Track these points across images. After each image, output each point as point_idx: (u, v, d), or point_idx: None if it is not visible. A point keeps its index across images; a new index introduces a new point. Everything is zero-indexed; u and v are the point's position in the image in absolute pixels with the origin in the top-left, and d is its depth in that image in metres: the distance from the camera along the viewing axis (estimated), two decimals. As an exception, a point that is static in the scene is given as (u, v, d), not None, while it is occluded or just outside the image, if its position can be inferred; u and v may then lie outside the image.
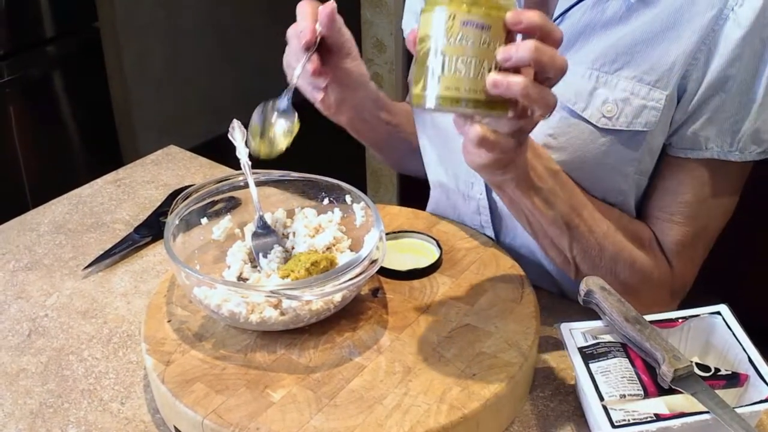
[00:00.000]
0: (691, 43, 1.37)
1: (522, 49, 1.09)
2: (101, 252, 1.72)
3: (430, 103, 1.14)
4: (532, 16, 1.11)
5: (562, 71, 1.14)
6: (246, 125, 1.47)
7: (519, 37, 1.13)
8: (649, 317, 1.26)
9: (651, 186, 1.52)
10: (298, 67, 1.40)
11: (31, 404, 1.35)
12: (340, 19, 1.43)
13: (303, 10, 1.42)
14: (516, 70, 1.11)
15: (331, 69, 1.47)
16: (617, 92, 1.41)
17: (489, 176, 1.35)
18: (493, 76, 1.10)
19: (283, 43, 1.40)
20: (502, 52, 1.10)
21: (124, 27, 4.56)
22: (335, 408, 1.20)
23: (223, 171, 2.04)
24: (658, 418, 1.13)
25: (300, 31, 1.40)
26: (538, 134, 1.46)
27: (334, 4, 1.41)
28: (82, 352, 1.46)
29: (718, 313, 1.28)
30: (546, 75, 1.14)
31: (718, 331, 1.27)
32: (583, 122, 1.43)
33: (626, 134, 1.42)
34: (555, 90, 1.21)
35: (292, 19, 1.40)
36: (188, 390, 1.24)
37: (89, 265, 1.68)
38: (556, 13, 1.47)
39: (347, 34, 1.47)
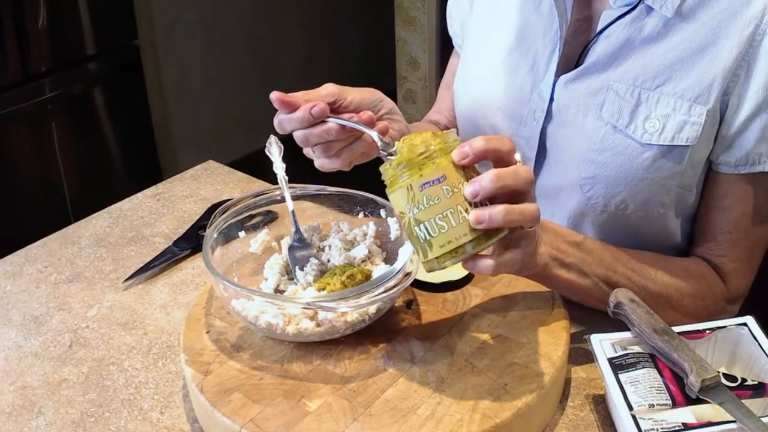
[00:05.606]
0: (730, 59, 1.39)
1: (485, 182, 1.14)
2: (141, 265, 1.74)
3: (436, 265, 1.19)
4: (477, 145, 1.15)
5: (528, 183, 1.18)
6: (282, 140, 1.49)
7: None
8: (677, 328, 1.28)
9: (704, 208, 1.53)
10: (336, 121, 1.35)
11: (72, 414, 1.38)
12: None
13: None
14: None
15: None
16: (659, 108, 1.43)
17: (520, 275, 1.39)
18: (473, 215, 1.14)
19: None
20: (469, 192, 1.15)
21: (164, 44, 4.59)
22: (370, 417, 1.21)
23: (260, 185, 2.06)
24: (686, 427, 1.14)
25: (298, 117, 1.35)
26: (583, 150, 1.48)
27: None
28: (122, 363, 1.48)
29: (745, 324, 1.29)
30: (518, 193, 1.18)
31: (744, 342, 1.28)
32: (626, 138, 1.45)
33: (669, 149, 1.43)
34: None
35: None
36: (226, 400, 1.25)
37: (129, 278, 1.71)
38: (596, 30, 1.49)
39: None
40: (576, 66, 1.52)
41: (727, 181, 1.48)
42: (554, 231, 1.38)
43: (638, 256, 1.47)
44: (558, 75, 1.53)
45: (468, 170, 1.17)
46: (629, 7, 1.45)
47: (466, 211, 1.15)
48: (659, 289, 1.45)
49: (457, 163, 1.15)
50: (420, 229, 1.17)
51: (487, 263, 1.20)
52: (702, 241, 1.54)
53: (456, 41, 1.85)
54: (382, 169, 1.20)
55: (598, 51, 1.48)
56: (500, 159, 1.18)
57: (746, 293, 1.56)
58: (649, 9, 1.44)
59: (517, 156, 1.21)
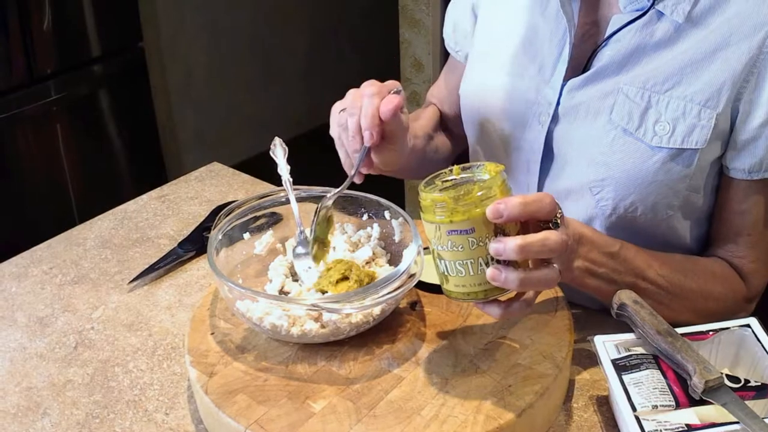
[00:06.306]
0: (740, 64, 1.39)
1: (509, 248, 1.15)
2: (146, 266, 1.75)
3: (452, 297, 1.23)
4: (513, 207, 1.15)
5: (554, 251, 1.19)
6: (287, 142, 1.49)
7: None
8: (680, 330, 1.28)
9: (722, 212, 1.53)
10: (354, 168, 1.42)
11: (77, 415, 1.38)
12: (400, 106, 1.42)
13: (370, 92, 1.41)
14: None
15: (379, 157, 1.46)
16: (669, 112, 1.43)
17: None
18: (490, 272, 1.16)
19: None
20: (493, 250, 1.16)
21: (169, 47, 4.60)
22: (374, 419, 1.22)
23: (264, 187, 2.07)
24: (690, 428, 1.14)
25: (362, 123, 1.39)
26: (593, 153, 1.48)
27: (401, 99, 1.41)
28: (127, 364, 1.49)
29: (748, 326, 1.30)
30: (541, 260, 1.20)
31: (747, 344, 1.28)
32: (636, 141, 1.45)
33: (678, 152, 1.44)
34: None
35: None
36: (231, 401, 1.26)
37: (134, 279, 1.71)
38: (606, 34, 1.49)
39: (404, 122, 1.47)
40: (584, 70, 1.52)
41: (742, 187, 1.48)
42: (592, 242, 1.36)
43: (669, 262, 1.46)
44: (566, 79, 1.53)
45: (498, 225, 1.17)
46: (640, 12, 1.45)
47: (487, 264, 1.16)
48: (686, 294, 1.46)
49: (489, 220, 1.15)
50: (440, 263, 1.20)
51: (495, 311, 1.24)
52: (722, 243, 1.55)
53: (448, 44, 1.85)
54: (420, 189, 1.21)
55: (608, 55, 1.48)
56: (538, 220, 1.20)
57: (763, 291, 1.57)
58: (660, 14, 1.44)
59: (559, 209, 1.22)
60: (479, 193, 1.16)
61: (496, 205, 1.15)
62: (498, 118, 1.63)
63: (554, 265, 1.21)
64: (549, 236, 1.17)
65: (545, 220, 1.20)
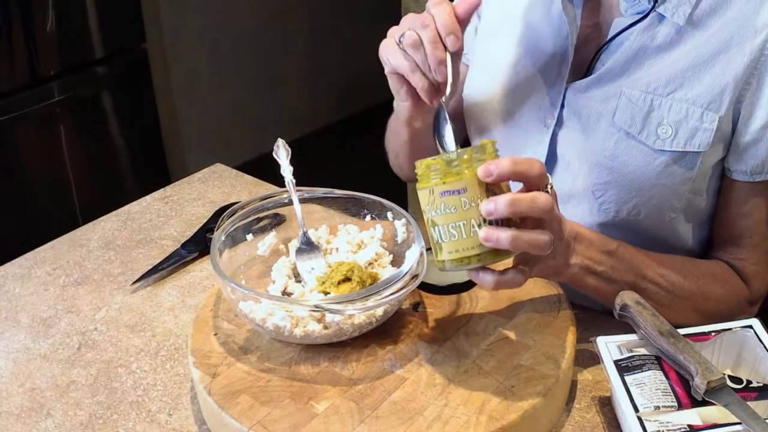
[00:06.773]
0: (742, 66, 1.39)
1: (500, 204, 1.15)
2: (149, 267, 1.75)
3: (444, 267, 1.22)
4: (503, 167, 1.16)
5: (545, 211, 1.19)
6: (289, 143, 1.49)
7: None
8: (682, 331, 1.28)
9: (724, 213, 1.54)
10: (448, 76, 1.32)
11: (81, 416, 1.38)
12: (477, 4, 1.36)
13: (436, 1, 1.34)
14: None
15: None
16: (671, 115, 1.43)
17: (548, 279, 1.43)
18: (482, 233, 1.16)
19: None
20: (484, 210, 1.16)
21: (172, 48, 4.60)
22: (377, 419, 1.22)
23: (268, 188, 2.07)
24: (692, 429, 1.14)
25: (442, 30, 1.31)
26: (596, 156, 1.48)
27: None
28: (130, 365, 1.49)
29: (750, 326, 1.30)
30: (533, 219, 1.20)
31: (749, 344, 1.28)
32: (639, 144, 1.45)
33: (681, 155, 1.44)
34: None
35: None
36: (234, 402, 1.26)
37: (138, 280, 1.71)
38: (608, 37, 1.50)
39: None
40: (587, 72, 1.52)
41: (744, 189, 1.48)
42: (589, 241, 1.37)
43: (668, 262, 1.47)
44: (569, 82, 1.53)
45: (492, 185, 1.18)
46: (641, 15, 1.45)
47: (479, 226, 1.17)
48: (686, 294, 1.46)
49: (480, 179, 1.17)
50: (434, 231, 1.20)
51: (488, 278, 1.23)
52: (723, 245, 1.55)
53: None
54: (416, 162, 1.21)
55: (610, 58, 1.48)
56: (527, 182, 1.21)
57: (766, 294, 1.57)
58: (661, 17, 1.44)
59: (550, 179, 1.23)
60: (467, 156, 1.18)
61: (487, 165, 1.16)
62: (502, 121, 1.63)
63: (547, 231, 1.21)
64: (539, 196, 1.18)
65: (535, 186, 1.21)
